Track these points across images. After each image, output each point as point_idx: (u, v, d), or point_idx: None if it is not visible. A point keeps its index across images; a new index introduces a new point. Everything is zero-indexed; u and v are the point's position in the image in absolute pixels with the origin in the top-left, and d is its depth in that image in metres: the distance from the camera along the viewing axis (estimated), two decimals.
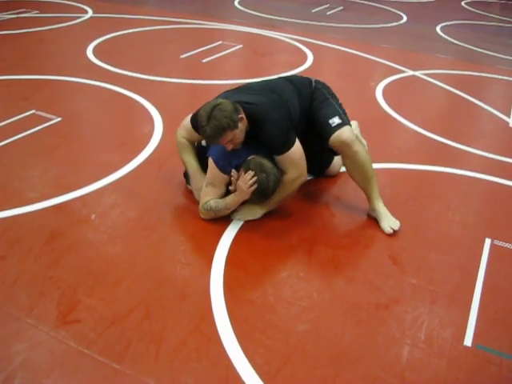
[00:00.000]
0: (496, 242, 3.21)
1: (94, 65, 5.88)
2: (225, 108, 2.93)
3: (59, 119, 4.44)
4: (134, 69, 5.74)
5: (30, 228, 3.09)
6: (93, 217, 3.21)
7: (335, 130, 3.20)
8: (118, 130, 4.52)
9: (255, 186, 3.06)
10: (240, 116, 2.98)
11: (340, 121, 3.24)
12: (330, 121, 3.24)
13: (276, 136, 3.08)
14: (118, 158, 3.90)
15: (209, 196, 3.21)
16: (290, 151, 3.11)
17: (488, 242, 3.21)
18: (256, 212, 3.28)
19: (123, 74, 5.61)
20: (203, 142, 3.42)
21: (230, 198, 3.18)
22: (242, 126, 3.01)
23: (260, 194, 3.10)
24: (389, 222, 3.25)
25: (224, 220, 3.22)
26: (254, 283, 2.79)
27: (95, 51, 6.31)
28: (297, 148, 3.14)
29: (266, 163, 3.08)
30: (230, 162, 3.15)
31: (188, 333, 2.42)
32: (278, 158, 3.14)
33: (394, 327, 2.55)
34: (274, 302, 2.67)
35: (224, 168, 3.16)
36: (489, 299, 2.76)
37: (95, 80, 5.38)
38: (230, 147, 3.05)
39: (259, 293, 2.72)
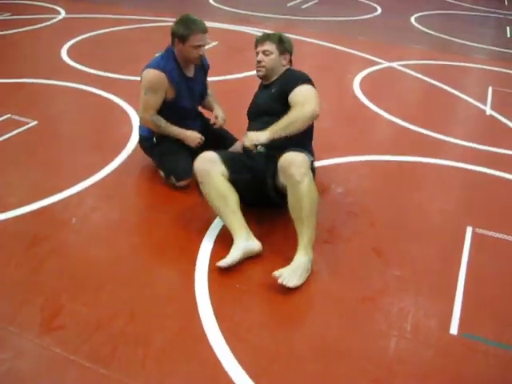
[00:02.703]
0: (477, 230, 3.25)
1: (69, 66, 5.81)
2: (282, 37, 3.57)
3: (36, 123, 4.38)
4: (109, 69, 5.69)
5: (11, 234, 3.04)
6: (73, 220, 3.18)
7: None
8: (97, 131, 4.47)
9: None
10: (286, 54, 3.46)
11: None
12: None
13: (300, 75, 3.32)
14: (98, 159, 3.86)
15: (151, 109, 3.45)
16: (308, 85, 3.21)
17: (469, 230, 3.25)
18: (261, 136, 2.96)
19: (98, 75, 5.55)
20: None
21: (178, 131, 3.48)
22: (281, 58, 3.41)
23: None
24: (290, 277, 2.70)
25: (206, 219, 3.21)
26: (239, 281, 2.78)
27: (70, 52, 6.24)
28: (313, 88, 3.23)
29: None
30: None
31: (175, 334, 2.41)
32: (295, 92, 3.16)
33: (380, 319, 2.56)
34: (260, 299, 2.67)
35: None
36: (472, 287, 2.79)
37: (71, 82, 5.31)
38: (259, 57, 3.37)
39: (244, 291, 2.71)
